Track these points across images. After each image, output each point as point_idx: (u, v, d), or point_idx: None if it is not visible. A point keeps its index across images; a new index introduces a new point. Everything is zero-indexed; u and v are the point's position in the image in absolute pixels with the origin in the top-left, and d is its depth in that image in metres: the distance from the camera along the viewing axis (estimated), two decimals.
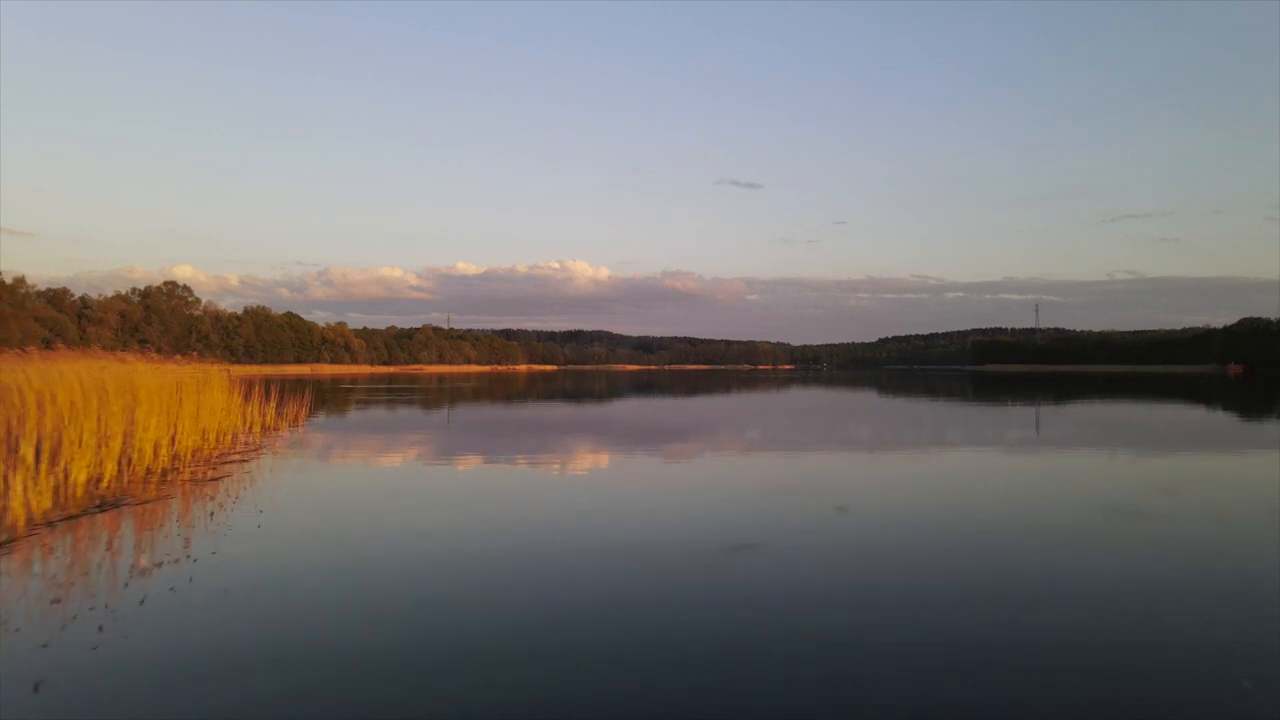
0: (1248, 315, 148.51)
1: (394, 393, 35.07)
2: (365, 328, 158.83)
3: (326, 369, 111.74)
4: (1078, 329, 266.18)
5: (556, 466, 9.81)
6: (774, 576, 4.61)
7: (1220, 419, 19.23)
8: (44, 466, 7.01)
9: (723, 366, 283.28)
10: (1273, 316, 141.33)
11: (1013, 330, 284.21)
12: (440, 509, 7.05)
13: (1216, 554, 5.25)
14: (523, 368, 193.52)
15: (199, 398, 11.17)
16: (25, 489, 6.51)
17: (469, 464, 10.01)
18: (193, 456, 10.14)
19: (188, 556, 5.08)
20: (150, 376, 10.61)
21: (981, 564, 4.98)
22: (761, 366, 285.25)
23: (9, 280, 68.55)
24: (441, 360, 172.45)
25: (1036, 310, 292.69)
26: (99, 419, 8.37)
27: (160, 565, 4.87)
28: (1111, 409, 23.38)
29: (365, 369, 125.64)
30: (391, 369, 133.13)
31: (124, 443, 8.68)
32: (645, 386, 47.69)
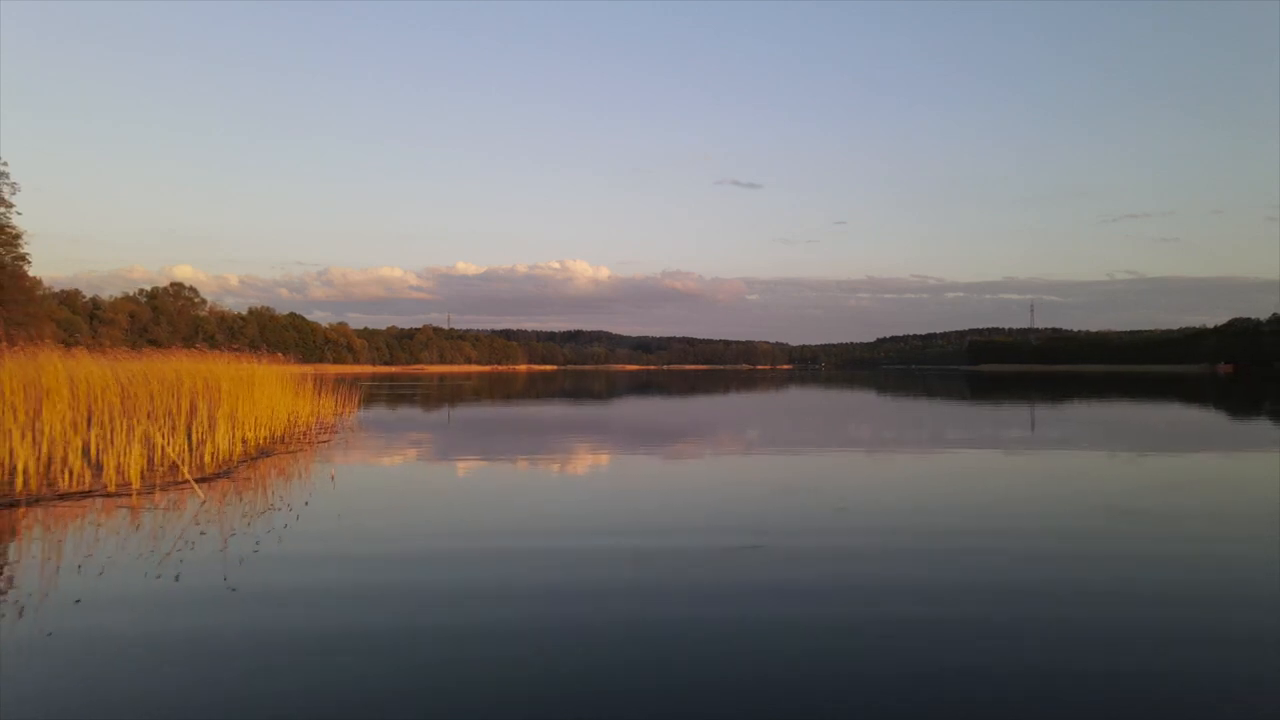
0: (1247, 316, 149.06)
1: (405, 391, 36.55)
2: (366, 328, 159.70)
3: (330, 369, 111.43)
4: (1076, 329, 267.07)
5: (560, 458, 10.73)
6: (775, 576, 4.76)
7: (1206, 417, 19.80)
8: (231, 428, 10.19)
9: (721, 366, 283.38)
10: (1264, 317, 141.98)
11: (1009, 330, 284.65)
12: (460, 499, 7.87)
13: (1215, 554, 5.40)
14: (522, 368, 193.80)
15: (293, 387, 14.76)
16: (227, 441, 9.90)
17: (483, 458, 10.85)
18: (297, 427, 13.56)
19: (304, 502, 7.29)
20: (256, 371, 13.68)
21: (982, 564, 5.06)
22: (760, 366, 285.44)
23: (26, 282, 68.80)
24: (442, 360, 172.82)
25: (1032, 310, 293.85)
26: (249, 400, 11.74)
27: (285, 503, 7.07)
28: (1102, 409, 23.68)
29: (367, 369, 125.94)
30: (393, 369, 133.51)
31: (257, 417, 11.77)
32: (644, 386, 47.43)
